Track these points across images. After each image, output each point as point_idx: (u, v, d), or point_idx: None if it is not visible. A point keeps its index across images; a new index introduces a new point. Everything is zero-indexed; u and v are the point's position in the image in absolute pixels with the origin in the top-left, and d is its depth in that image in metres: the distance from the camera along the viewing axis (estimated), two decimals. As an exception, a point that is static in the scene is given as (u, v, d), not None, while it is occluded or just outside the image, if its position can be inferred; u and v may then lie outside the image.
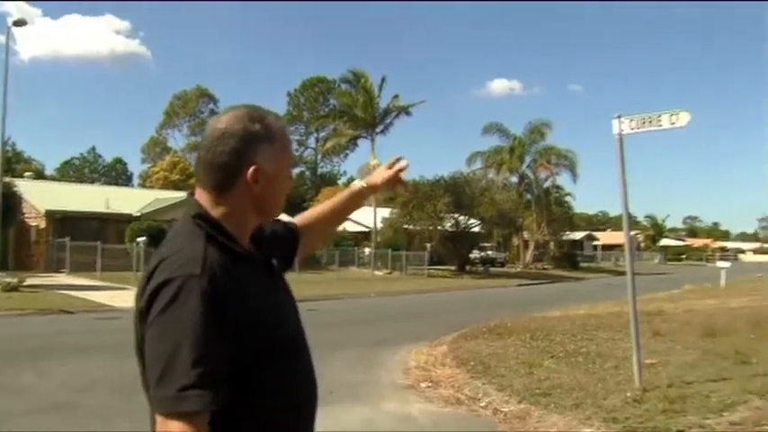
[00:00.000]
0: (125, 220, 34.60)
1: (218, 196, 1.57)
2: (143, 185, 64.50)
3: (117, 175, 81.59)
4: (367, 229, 46.15)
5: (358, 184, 2.18)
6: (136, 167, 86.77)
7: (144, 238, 27.15)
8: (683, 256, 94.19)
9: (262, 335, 1.48)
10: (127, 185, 67.25)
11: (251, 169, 1.55)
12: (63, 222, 33.30)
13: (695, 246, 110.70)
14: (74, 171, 79.36)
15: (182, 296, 1.39)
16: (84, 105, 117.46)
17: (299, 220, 2.11)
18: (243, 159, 1.56)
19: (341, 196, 2.21)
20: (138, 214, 35.64)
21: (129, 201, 38.29)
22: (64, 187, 41.67)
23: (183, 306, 1.39)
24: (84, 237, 31.32)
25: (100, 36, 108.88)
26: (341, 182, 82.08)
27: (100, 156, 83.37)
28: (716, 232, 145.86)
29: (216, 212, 1.56)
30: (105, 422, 6.51)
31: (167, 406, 1.34)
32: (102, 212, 35.40)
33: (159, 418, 1.35)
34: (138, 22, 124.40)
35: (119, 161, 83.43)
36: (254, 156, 1.56)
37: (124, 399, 7.34)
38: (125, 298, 19.82)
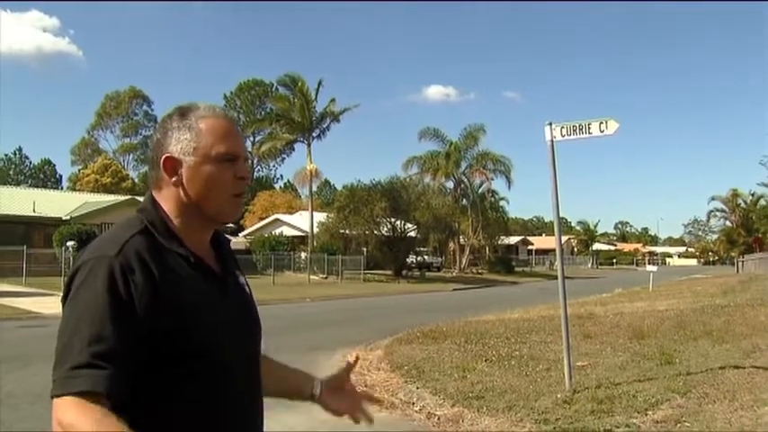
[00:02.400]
0: (53, 223, 33.55)
1: (157, 194, 1.56)
2: (73, 188, 62.56)
3: (45, 177, 79.00)
4: (303, 234, 45.98)
5: (315, 389, 1.86)
6: (65, 170, 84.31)
7: (73, 243, 26.41)
8: (615, 260, 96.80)
9: (174, 332, 1.40)
10: (56, 188, 65.10)
11: (162, 159, 1.53)
12: (-16, 226, 31.93)
13: (626, 250, 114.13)
14: (-3, 173, 76.51)
15: (91, 276, 1.37)
16: (9, 105, 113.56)
17: None
18: (161, 151, 1.54)
19: (291, 380, 1.89)
20: (67, 218, 34.63)
21: (58, 204, 37.17)
22: (-14, 189, 40.13)
23: (91, 286, 1.36)
24: (9, 241, 30.16)
25: (25, 33, 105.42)
26: (277, 186, 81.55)
27: (27, 157, 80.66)
28: (645, 237, 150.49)
29: (161, 210, 1.53)
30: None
31: (58, 387, 1.29)
32: (28, 216, 34.23)
33: (54, 402, 1.29)
34: (68, 21, 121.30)
35: (47, 163, 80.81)
36: (168, 145, 1.54)
37: (46, 411, 7.12)
38: (52, 304, 19.16)
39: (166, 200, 1.54)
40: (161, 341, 1.37)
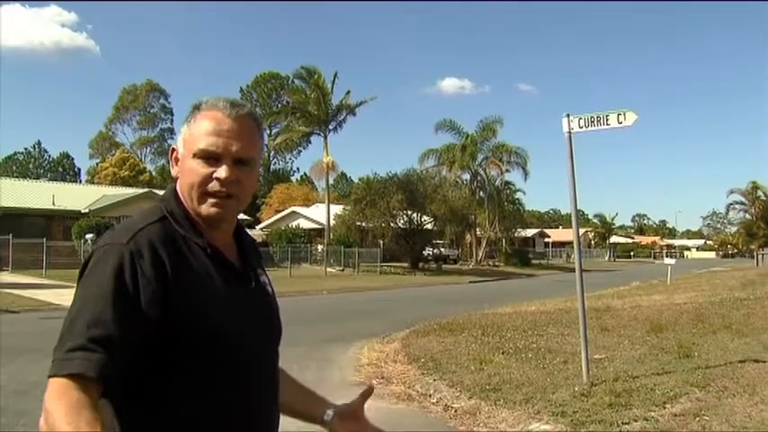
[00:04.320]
0: (72, 216, 33.84)
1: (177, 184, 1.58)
2: (91, 182, 63.05)
3: (64, 170, 79.55)
4: (320, 226, 46.06)
5: (327, 415, 1.77)
6: (83, 163, 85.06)
7: (92, 235, 26.68)
8: (632, 253, 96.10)
9: (183, 321, 1.39)
10: (74, 181, 65.59)
11: (170, 149, 1.57)
12: (4, 219, 31.98)
13: (643, 243, 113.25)
14: (17, 166, 77.08)
15: (101, 262, 1.39)
16: (29, 99, 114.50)
17: None
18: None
19: (304, 402, 1.83)
20: (86, 211, 34.92)
21: (77, 197, 37.49)
22: (6, 183, 40.39)
23: (99, 271, 1.38)
24: (29, 234, 30.46)
25: (44, 28, 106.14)
26: (294, 178, 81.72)
27: (46, 151, 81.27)
28: (663, 230, 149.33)
29: (180, 199, 1.55)
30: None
31: (54, 367, 1.30)
32: (47, 209, 34.56)
33: (48, 381, 1.30)
34: (86, 15, 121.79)
35: (65, 156, 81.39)
36: (178, 137, 1.59)
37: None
38: (72, 296, 19.33)
39: (179, 187, 1.57)
40: (171, 329, 1.38)
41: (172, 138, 79.46)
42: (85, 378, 1.27)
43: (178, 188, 1.57)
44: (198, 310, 1.42)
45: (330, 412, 1.77)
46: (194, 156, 1.49)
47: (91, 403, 1.26)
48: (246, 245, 1.67)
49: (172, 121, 79.42)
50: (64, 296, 19.08)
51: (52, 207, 34.77)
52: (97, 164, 72.40)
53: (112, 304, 1.33)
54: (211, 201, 1.49)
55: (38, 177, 66.35)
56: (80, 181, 70.99)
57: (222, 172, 1.48)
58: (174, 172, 1.57)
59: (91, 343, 1.29)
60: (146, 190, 42.58)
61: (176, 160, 1.56)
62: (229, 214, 1.55)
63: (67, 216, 34.19)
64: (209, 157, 1.49)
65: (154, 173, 71.20)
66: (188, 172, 1.51)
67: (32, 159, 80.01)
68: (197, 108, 1.55)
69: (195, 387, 1.42)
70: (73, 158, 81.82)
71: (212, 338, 1.43)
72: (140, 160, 72.90)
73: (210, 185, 1.48)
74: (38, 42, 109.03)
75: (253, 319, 1.55)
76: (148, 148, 79.39)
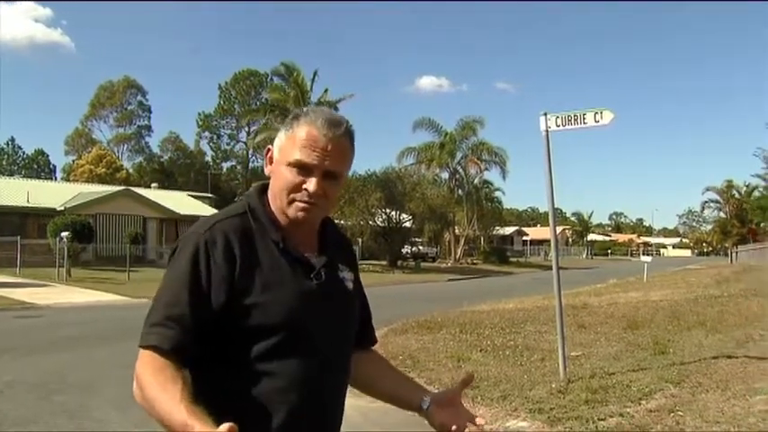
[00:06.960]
0: (47, 214, 33.39)
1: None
2: (67, 179, 62.25)
3: (39, 167, 78.54)
4: (299, 225, 45.99)
5: (424, 402, 1.80)
6: (59, 160, 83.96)
7: (67, 233, 26.30)
8: (609, 251, 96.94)
9: (250, 307, 1.52)
10: (49, 179, 64.71)
11: (266, 149, 1.69)
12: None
13: (620, 241, 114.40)
14: (-10, 163, 76.00)
15: (183, 250, 1.57)
16: (2, 95, 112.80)
17: (371, 353, 1.97)
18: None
19: (401, 390, 1.90)
20: (62, 208, 34.48)
21: (52, 194, 36.98)
22: (-22, 180, 39.77)
23: (180, 258, 1.56)
24: (3, 232, 30.10)
25: (17, 23, 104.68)
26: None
27: (20, 147, 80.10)
28: (640, 228, 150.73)
29: (265, 197, 1.68)
30: (20, 425, 6.24)
31: (140, 339, 1.49)
32: (22, 206, 34.09)
33: (139, 352, 1.49)
34: (60, 11, 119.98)
35: (40, 153, 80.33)
36: (275, 140, 1.67)
37: (41, 400, 7.12)
38: (47, 295, 19.12)
39: (270, 187, 1.68)
40: (239, 314, 1.52)
41: (149, 135, 78.80)
42: (160, 349, 1.45)
43: (270, 187, 1.68)
44: (263, 297, 1.53)
45: (427, 399, 1.81)
46: (289, 164, 1.59)
47: (172, 366, 1.44)
48: (331, 242, 1.74)
49: (149, 118, 78.56)
50: (38, 295, 18.89)
51: (27, 204, 34.30)
52: (73, 161, 71.46)
53: (187, 288, 1.51)
54: (298, 205, 1.60)
55: (12, 174, 65.32)
56: (55, 178, 70.09)
57: (312, 185, 1.58)
58: (267, 171, 1.68)
59: (167, 320, 1.48)
60: (122, 188, 42.11)
61: (270, 160, 1.67)
62: (313, 218, 1.65)
63: (42, 214, 33.72)
64: (302, 168, 1.58)
65: (131, 170, 70.46)
66: (281, 177, 1.62)
67: (6, 156, 78.85)
68: (296, 118, 1.64)
69: (262, 370, 1.53)
70: (48, 155, 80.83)
71: (278, 323, 1.54)
72: (117, 158, 71.98)
73: (299, 195, 1.59)
74: (11, 38, 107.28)
75: (319, 313, 1.61)
76: (125, 146, 78.38)
